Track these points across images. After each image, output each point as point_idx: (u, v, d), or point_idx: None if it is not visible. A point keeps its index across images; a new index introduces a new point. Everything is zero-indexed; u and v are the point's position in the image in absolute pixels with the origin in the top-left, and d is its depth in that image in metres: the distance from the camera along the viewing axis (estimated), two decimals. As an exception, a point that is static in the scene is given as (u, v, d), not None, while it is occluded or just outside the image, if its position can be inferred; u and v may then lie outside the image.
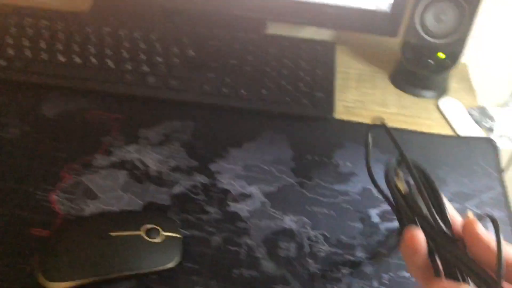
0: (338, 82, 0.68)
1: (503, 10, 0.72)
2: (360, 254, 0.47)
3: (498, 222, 0.30)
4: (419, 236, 0.30)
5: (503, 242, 0.28)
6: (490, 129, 0.63)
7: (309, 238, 0.48)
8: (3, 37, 0.65)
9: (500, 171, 0.56)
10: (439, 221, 0.31)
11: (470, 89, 0.69)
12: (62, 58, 0.62)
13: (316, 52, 0.67)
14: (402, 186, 0.34)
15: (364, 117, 0.63)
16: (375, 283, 0.44)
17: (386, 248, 0.47)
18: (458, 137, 0.60)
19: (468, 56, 0.76)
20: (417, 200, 0.32)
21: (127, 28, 0.67)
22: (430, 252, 0.31)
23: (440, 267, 0.31)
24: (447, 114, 0.63)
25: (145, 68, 0.62)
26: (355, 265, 0.46)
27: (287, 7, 0.64)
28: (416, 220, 0.32)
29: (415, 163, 0.34)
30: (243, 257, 0.46)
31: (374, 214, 0.51)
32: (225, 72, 0.62)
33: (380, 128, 0.36)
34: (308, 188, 0.53)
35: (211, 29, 0.69)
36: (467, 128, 0.61)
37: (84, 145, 0.55)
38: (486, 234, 0.30)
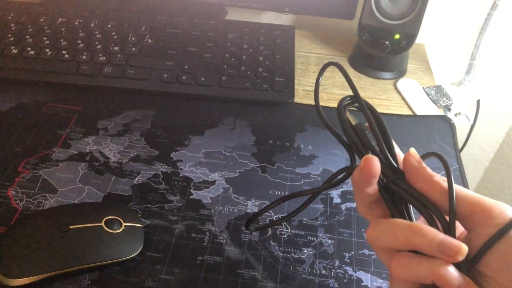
0: (298, 66, 0.68)
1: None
2: (322, 234, 0.48)
3: (444, 157, 0.30)
4: (375, 160, 0.29)
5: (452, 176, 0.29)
6: (447, 108, 0.65)
7: (272, 222, 0.48)
8: (-49, 30, 0.62)
9: (456, 148, 0.58)
10: (389, 156, 0.31)
11: (427, 69, 0.71)
12: (14, 50, 0.61)
13: (275, 37, 0.67)
14: (353, 121, 0.33)
15: (324, 100, 0.63)
16: (337, 262, 0.45)
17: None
18: (415, 116, 0.62)
19: (425, 36, 0.78)
20: (367, 136, 0.32)
21: (82, 17, 0.66)
22: (381, 187, 0.31)
23: (393, 207, 0.31)
24: (404, 94, 0.64)
25: (102, 58, 0.61)
26: (317, 246, 0.47)
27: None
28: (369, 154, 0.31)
29: (368, 103, 0.34)
30: (207, 243, 0.46)
31: (335, 195, 0.52)
32: (184, 60, 0.62)
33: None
34: (270, 172, 0.53)
35: (169, 16, 0.68)
36: (425, 107, 0.63)
37: (41, 139, 0.54)
38: (427, 168, 0.30)
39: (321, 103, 0.62)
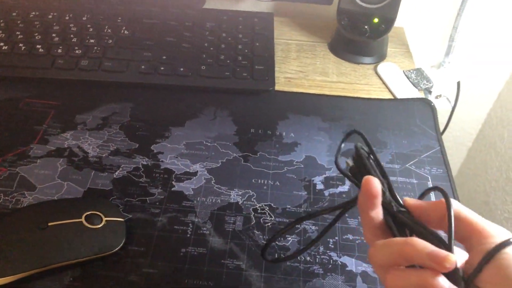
0: (279, 53, 0.67)
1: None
2: (306, 221, 0.48)
3: (445, 190, 0.32)
4: (374, 179, 0.32)
5: (453, 203, 0.31)
6: (427, 90, 0.65)
7: (255, 210, 0.48)
8: None
9: (438, 130, 0.58)
10: (394, 196, 0.34)
11: (407, 52, 0.71)
12: (-14, 46, 0.59)
13: (254, 24, 0.66)
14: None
15: (305, 87, 0.63)
16: (322, 248, 0.45)
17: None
18: (395, 99, 0.62)
19: (404, 20, 0.77)
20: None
21: (56, 10, 0.64)
22: (387, 214, 0.33)
23: (395, 228, 0.32)
24: (385, 78, 0.64)
25: (78, 51, 0.60)
26: (301, 233, 0.47)
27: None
28: None
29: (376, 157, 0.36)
30: (190, 235, 0.46)
31: (318, 181, 0.52)
32: (162, 50, 0.61)
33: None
34: (253, 161, 0.53)
35: (146, 6, 0.67)
36: (405, 90, 0.63)
37: (18, 136, 0.53)
38: (426, 202, 0.33)
39: (302, 90, 0.63)
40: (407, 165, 0.53)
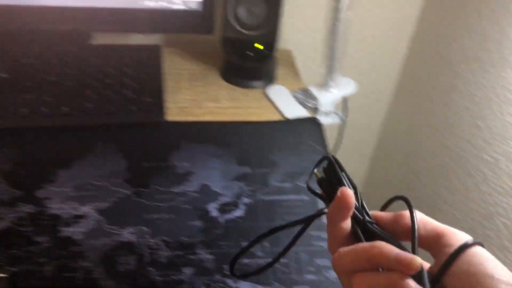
0: (170, 83, 0.68)
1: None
2: (200, 251, 0.47)
3: (408, 199, 0.34)
4: (350, 191, 0.33)
5: (416, 212, 0.33)
6: (315, 109, 0.68)
7: (149, 247, 0.47)
8: None
9: (325, 146, 0.61)
10: (363, 206, 0.35)
11: (295, 74, 0.74)
12: None
13: (141, 57, 0.66)
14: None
15: (198, 115, 0.63)
16: (217, 276, 0.45)
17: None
18: (285, 121, 0.64)
19: (292, 42, 0.81)
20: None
21: None
22: (354, 225, 0.34)
23: (363, 237, 0.33)
24: (274, 100, 0.67)
25: None
26: (196, 263, 0.46)
27: (101, 15, 0.62)
28: None
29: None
30: (80, 281, 0.44)
31: (213, 208, 0.52)
32: (43, 91, 0.59)
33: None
34: (146, 196, 0.52)
35: (24, 46, 0.64)
36: (294, 111, 0.65)
37: None
38: (391, 213, 0.35)
39: (195, 118, 0.63)
40: (297, 183, 0.55)
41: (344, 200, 0.33)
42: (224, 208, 0.52)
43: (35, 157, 0.54)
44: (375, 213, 0.35)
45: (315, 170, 0.37)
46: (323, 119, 0.67)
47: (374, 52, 0.88)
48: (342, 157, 0.61)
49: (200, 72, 0.72)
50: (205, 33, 0.63)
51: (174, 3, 0.61)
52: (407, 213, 0.33)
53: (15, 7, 0.60)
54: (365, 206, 0.35)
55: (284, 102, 0.66)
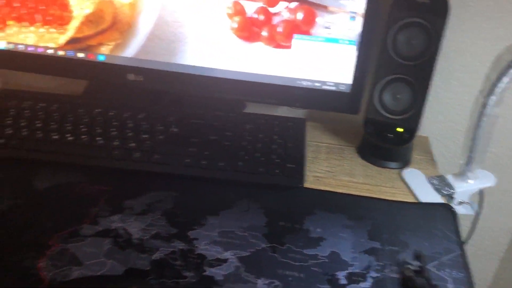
0: (309, 154, 0.74)
1: (452, 86, 0.80)
2: (327, 313, 0.50)
3: None
4: None
5: None
6: (450, 196, 0.68)
7: (279, 300, 0.51)
8: (4, 118, 0.71)
9: (458, 234, 0.61)
10: None
11: (431, 160, 0.76)
12: (55, 136, 0.68)
13: (288, 127, 0.73)
14: None
15: (333, 186, 0.68)
16: None
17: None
18: (417, 203, 0.65)
19: (429, 129, 0.83)
20: None
21: (116, 108, 0.74)
22: None
23: None
24: (409, 183, 0.69)
25: (132, 144, 0.68)
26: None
27: (262, 89, 0.72)
28: None
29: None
30: (217, 318, 0.49)
31: (341, 276, 0.54)
32: (205, 147, 0.68)
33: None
34: (280, 252, 0.57)
35: (194, 109, 0.76)
36: (428, 196, 0.67)
37: (72, 216, 0.59)
38: None
39: (330, 189, 0.68)
40: (426, 266, 0.56)
41: None
42: (352, 278, 0.54)
43: (192, 202, 0.63)
44: None
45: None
46: (457, 208, 0.67)
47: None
48: (470, 251, 0.61)
49: (337, 147, 0.77)
50: (350, 113, 0.69)
51: (327, 85, 0.69)
52: None
53: (193, 76, 0.72)
54: None
55: (419, 186, 0.68)
